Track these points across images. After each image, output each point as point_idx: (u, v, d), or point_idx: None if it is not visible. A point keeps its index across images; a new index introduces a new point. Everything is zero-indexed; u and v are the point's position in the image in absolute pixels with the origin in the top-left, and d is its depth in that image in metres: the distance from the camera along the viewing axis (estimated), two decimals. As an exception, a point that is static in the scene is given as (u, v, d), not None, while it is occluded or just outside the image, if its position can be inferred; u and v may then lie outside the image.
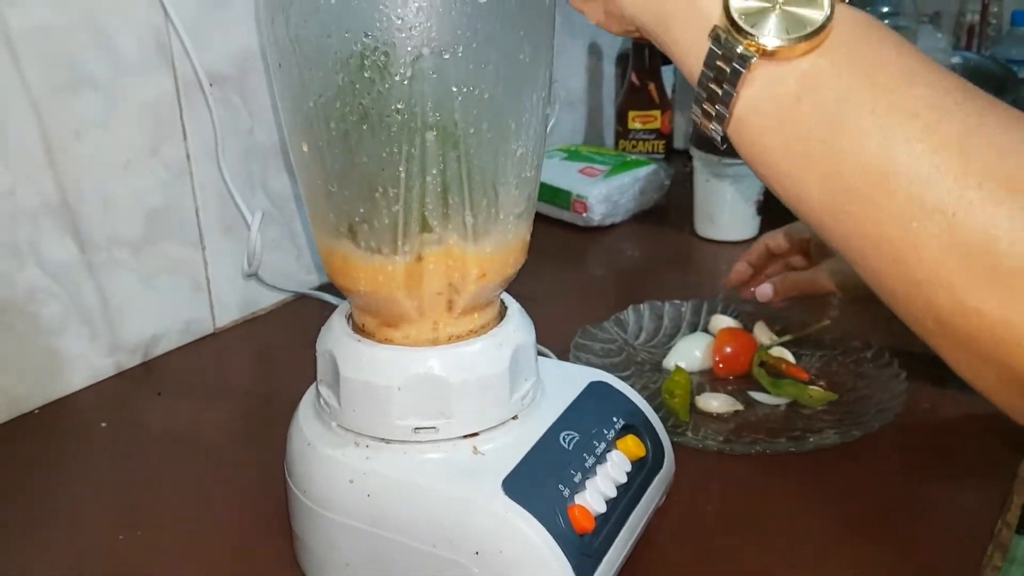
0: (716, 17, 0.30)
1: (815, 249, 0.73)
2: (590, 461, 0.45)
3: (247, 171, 0.75)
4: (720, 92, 0.30)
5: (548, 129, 0.51)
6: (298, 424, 0.46)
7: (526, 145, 0.41)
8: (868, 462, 0.58)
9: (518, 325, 0.46)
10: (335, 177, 0.39)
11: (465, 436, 0.44)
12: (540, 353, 0.68)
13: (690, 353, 0.69)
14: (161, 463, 0.59)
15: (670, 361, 0.69)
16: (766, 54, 0.29)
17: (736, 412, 0.63)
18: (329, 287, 0.83)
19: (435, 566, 0.41)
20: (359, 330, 0.45)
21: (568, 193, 0.98)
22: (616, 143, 1.13)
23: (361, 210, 0.39)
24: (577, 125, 1.18)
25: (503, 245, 0.43)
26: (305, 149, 0.39)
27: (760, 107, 0.30)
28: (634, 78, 1.10)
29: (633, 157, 1.05)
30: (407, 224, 0.40)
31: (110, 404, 0.66)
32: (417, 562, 0.41)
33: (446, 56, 0.37)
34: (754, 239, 0.95)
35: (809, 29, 0.29)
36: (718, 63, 0.30)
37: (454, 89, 0.37)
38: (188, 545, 0.51)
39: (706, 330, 0.74)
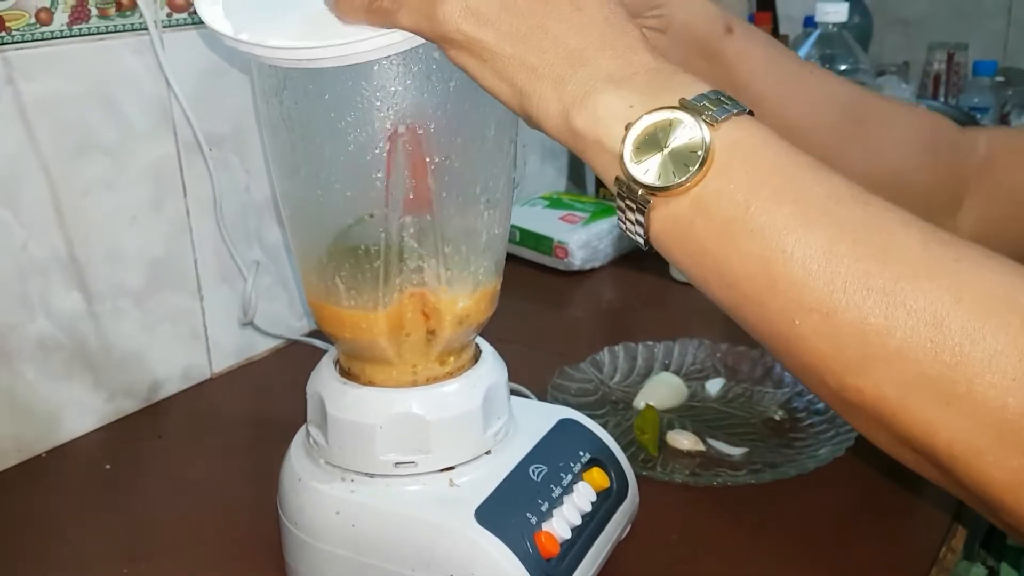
0: (617, 167, 0.36)
1: None
2: (557, 492, 0.49)
3: (243, 225, 0.80)
4: (634, 219, 0.36)
5: (515, 193, 0.56)
6: (289, 461, 0.50)
7: (493, 207, 0.46)
8: (822, 492, 0.62)
9: (491, 367, 0.50)
10: (322, 236, 0.44)
11: (442, 470, 0.48)
12: (518, 393, 0.72)
13: (659, 392, 0.73)
14: (163, 501, 0.63)
15: (640, 400, 0.73)
16: (661, 192, 0.35)
17: (702, 451, 0.67)
18: (319, 333, 0.87)
19: (414, 589, 0.45)
20: (345, 373, 0.49)
21: (550, 239, 1.03)
22: (596, 191, 1.18)
23: (346, 266, 0.44)
24: (559, 174, 1.23)
25: (475, 295, 0.48)
26: (296, 212, 0.44)
27: (666, 229, 0.36)
28: (612, 130, 1.15)
29: (612, 204, 1.10)
30: (387, 278, 0.45)
31: (114, 447, 0.70)
32: (398, 586, 0.45)
33: (420, 132, 0.42)
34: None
35: (692, 169, 0.34)
36: (627, 200, 0.36)
37: (427, 159, 0.42)
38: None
39: (677, 372, 0.79)
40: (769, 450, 0.67)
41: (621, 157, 0.35)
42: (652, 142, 0.35)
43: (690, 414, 0.73)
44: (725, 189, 0.34)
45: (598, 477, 0.51)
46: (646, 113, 0.35)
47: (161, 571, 0.56)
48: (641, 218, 0.36)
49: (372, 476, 0.47)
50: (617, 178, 0.36)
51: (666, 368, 0.79)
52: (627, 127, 0.35)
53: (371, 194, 0.43)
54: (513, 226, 1.06)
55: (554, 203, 1.10)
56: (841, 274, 0.32)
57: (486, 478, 0.48)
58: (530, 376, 0.74)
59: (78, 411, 0.71)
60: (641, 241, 0.37)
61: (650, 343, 0.81)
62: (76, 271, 0.69)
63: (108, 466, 0.68)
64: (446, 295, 0.46)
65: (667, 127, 0.35)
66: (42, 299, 0.67)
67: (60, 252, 0.67)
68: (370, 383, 0.48)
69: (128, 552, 0.57)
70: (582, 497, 0.50)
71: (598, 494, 0.51)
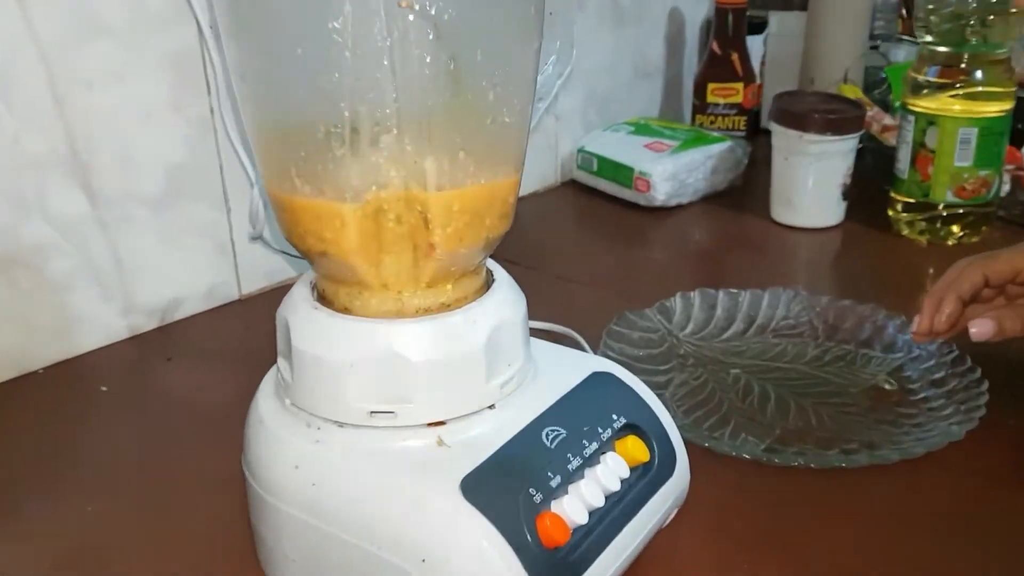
0: None
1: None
2: (575, 463, 0.38)
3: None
4: None
5: (559, 80, 0.44)
6: (256, 399, 0.41)
7: (505, 83, 0.35)
8: (929, 485, 0.49)
9: (503, 300, 0.40)
10: (277, 111, 0.34)
11: (430, 424, 0.38)
12: (568, 340, 0.61)
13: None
14: (155, 433, 0.56)
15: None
16: None
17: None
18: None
19: (377, 570, 0.35)
20: (321, 297, 0.40)
21: (630, 169, 0.90)
22: (692, 118, 1.05)
23: (302, 153, 0.34)
24: (652, 98, 1.09)
25: (479, 202, 0.37)
26: (245, 76, 0.34)
27: None
28: (715, 47, 1.01)
29: (707, 133, 0.97)
30: (361, 169, 0.34)
31: (116, 367, 0.64)
32: (358, 563, 0.36)
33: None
34: (837, 227, 0.86)
35: None
36: None
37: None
38: (160, 523, 0.48)
39: (764, 327, 0.66)
40: (868, 427, 0.54)
41: None
42: None
43: (773, 376, 0.60)
44: None
45: (633, 448, 0.40)
46: None
47: (129, 514, 0.48)
48: None
49: (342, 425, 0.38)
50: None
51: (751, 321, 0.67)
52: None
53: (330, 48, 0.32)
54: (590, 153, 0.94)
55: (640, 129, 0.97)
56: None
57: (484, 439, 0.37)
58: (588, 320, 0.64)
59: (83, 326, 0.64)
60: None
61: (733, 291, 0.68)
62: (79, 171, 0.62)
63: (104, 388, 0.61)
64: (438, 197, 0.35)
65: None
66: (39, 198, 0.60)
67: (59, 148, 0.60)
68: (345, 311, 0.38)
69: (100, 489, 0.50)
70: (609, 472, 0.39)
71: (632, 469, 0.40)
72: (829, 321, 0.66)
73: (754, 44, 1.05)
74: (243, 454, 0.41)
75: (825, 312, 0.67)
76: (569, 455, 0.38)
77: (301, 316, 0.38)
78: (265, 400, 0.41)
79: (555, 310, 0.65)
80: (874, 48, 1.10)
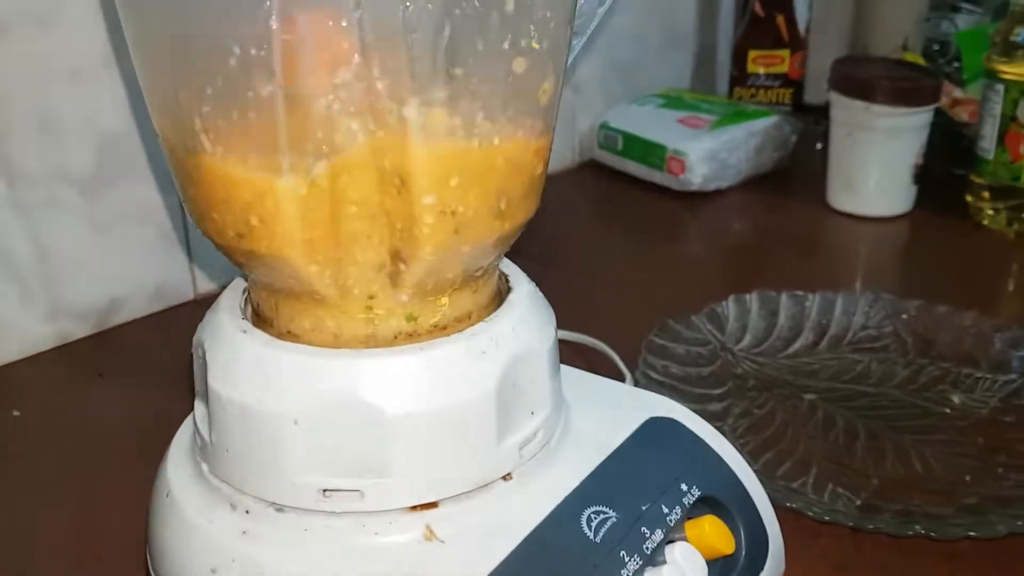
0: None
1: None
2: (632, 564, 0.26)
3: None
4: None
5: (602, 8, 0.32)
6: (165, 462, 0.29)
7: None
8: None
9: (525, 318, 0.27)
10: (165, 18, 0.21)
11: (413, 508, 0.25)
12: (602, 359, 0.49)
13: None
14: (75, 477, 0.44)
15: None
16: None
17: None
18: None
19: None
20: (256, 314, 0.27)
21: (662, 148, 0.78)
22: (730, 90, 0.92)
23: (207, 89, 0.21)
24: (683, 67, 0.96)
25: (492, 168, 0.24)
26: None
27: None
28: (758, 8, 0.89)
29: (749, 107, 0.84)
30: (302, 114, 0.22)
31: (35, 386, 0.52)
32: None
33: None
34: (906, 216, 0.73)
35: None
36: None
37: None
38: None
39: (840, 337, 0.54)
40: (990, 474, 0.42)
41: None
42: None
43: (858, 404, 0.48)
44: None
45: (713, 533, 0.28)
46: None
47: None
48: None
49: (282, 510, 0.25)
50: None
51: (822, 332, 0.54)
52: None
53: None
54: (614, 129, 0.81)
55: (671, 102, 0.84)
56: None
57: (496, 529, 0.25)
58: (618, 329, 0.52)
59: (-3, 334, 0.52)
60: None
61: (799, 294, 0.56)
62: (-13, 141, 0.49)
63: (16, 412, 0.49)
64: (429, 158, 0.23)
65: None
66: (-69, 175, 0.48)
67: (-41, 111, 0.48)
68: (289, 335, 0.25)
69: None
70: (678, 573, 0.26)
71: (710, 565, 0.28)
72: (920, 332, 0.54)
73: (799, 7, 0.93)
74: (147, 542, 0.29)
75: (913, 321, 0.54)
76: (623, 552, 0.26)
77: (224, 343, 0.25)
78: (177, 466, 0.28)
79: (578, 317, 0.53)
80: (927, 19, 0.97)
